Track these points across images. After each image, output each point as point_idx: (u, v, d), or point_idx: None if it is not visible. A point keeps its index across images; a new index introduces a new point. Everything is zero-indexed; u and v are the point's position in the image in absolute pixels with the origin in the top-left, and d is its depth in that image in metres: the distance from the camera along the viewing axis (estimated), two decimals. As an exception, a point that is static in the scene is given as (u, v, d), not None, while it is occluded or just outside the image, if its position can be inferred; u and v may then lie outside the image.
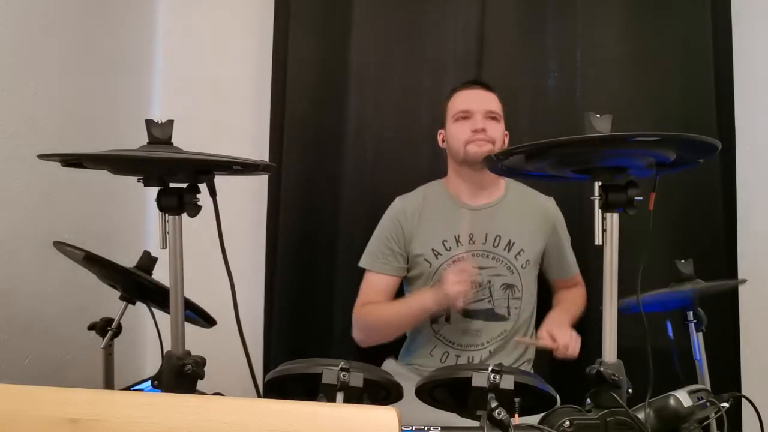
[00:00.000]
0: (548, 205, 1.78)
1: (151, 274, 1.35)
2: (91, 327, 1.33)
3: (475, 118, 1.64)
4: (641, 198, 1.04)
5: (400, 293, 1.76)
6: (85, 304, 1.67)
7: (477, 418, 1.02)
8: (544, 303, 1.77)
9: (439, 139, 1.75)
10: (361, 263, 1.74)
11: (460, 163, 1.67)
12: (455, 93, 1.72)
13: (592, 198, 1.05)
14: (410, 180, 1.89)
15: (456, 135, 1.66)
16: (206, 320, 1.38)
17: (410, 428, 1.05)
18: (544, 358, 1.77)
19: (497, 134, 1.65)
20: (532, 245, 1.70)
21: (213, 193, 1.11)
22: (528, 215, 1.73)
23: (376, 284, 1.71)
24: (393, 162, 2.01)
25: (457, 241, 1.67)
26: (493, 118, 1.66)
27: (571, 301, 1.75)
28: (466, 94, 1.70)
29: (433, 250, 1.67)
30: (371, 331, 1.70)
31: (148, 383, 1.22)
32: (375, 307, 1.68)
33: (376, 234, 1.75)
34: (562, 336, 1.48)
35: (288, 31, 2.03)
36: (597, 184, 1.05)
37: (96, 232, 1.83)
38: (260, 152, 2.06)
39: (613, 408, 1.04)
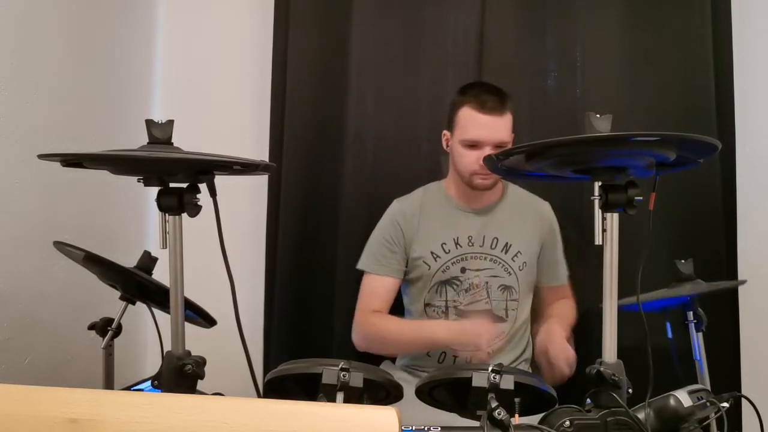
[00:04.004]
0: (545, 208, 1.78)
1: (151, 274, 1.35)
2: (91, 327, 1.33)
3: (483, 152, 1.56)
4: (641, 198, 1.04)
5: (399, 296, 1.76)
6: (85, 304, 1.68)
7: (477, 418, 1.02)
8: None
9: (443, 140, 1.71)
10: (360, 265, 1.74)
11: (466, 184, 1.66)
12: (465, 105, 1.60)
13: (592, 198, 1.05)
14: (410, 180, 1.89)
15: (462, 161, 1.62)
16: (206, 320, 1.38)
17: (410, 428, 1.06)
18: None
19: None
20: (529, 247, 1.70)
21: (213, 193, 1.11)
22: (525, 218, 1.73)
23: (376, 287, 1.70)
24: (393, 162, 2.01)
25: (456, 244, 1.67)
26: (502, 147, 1.58)
27: (563, 314, 1.69)
28: (478, 119, 1.58)
29: (431, 252, 1.67)
30: (373, 343, 1.68)
31: (148, 383, 1.22)
32: (382, 320, 1.66)
33: (375, 236, 1.74)
34: (561, 351, 1.45)
35: (288, 31, 2.03)
36: (597, 184, 1.05)
37: (96, 232, 1.83)
38: (260, 152, 2.06)
39: (613, 408, 1.04)
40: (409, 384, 1.17)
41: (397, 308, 1.75)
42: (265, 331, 2.05)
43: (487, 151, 1.56)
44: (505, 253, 1.67)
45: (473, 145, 1.59)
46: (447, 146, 1.70)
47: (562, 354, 1.45)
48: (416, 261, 1.68)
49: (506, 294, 1.67)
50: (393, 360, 1.79)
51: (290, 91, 2.02)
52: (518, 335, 1.70)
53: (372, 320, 1.67)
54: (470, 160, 1.60)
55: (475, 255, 1.67)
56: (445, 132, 1.70)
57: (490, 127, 1.58)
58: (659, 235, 1.80)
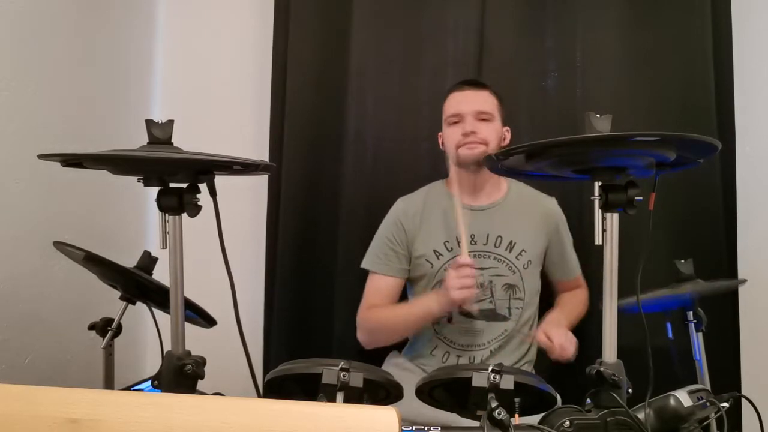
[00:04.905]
0: (550, 205, 1.77)
1: (151, 274, 1.35)
2: (91, 327, 1.33)
3: (465, 121, 1.63)
4: (641, 198, 1.04)
5: (403, 295, 1.76)
6: (85, 304, 1.68)
7: (477, 418, 1.02)
8: (547, 303, 1.77)
9: (439, 141, 1.74)
10: (364, 264, 1.74)
11: (457, 165, 1.67)
12: (449, 95, 1.71)
13: (592, 198, 1.05)
14: (410, 180, 1.89)
15: (449, 139, 1.66)
16: (206, 320, 1.38)
17: (410, 428, 1.06)
18: (545, 358, 1.77)
19: (490, 134, 1.63)
20: (534, 245, 1.70)
21: (213, 193, 1.11)
22: (529, 215, 1.73)
23: (380, 286, 1.71)
24: (393, 162, 2.01)
25: (459, 242, 1.67)
26: (484, 119, 1.64)
27: (571, 304, 1.74)
28: (456, 96, 1.68)
29: (434, 250, 1.67)
30: (376, 335, 1.70)
31: (148, 383, 1.22)
32: (380, 311, 1.68)
33: (378, 235, 1.75)
34: (557, 336, 1.48)
35: (288, 31, 2.03)
36: (597, 184, 1.05)
37: (96, 232, 1.83)
38: (260, 152, 2.06)
39: (613, 408, 1.04)
40: (413, 375, 1.17)
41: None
42: (265, 331, 2.05)
43: (468, 119, 1.63)
44: (509, 251, 1.67)
45: (456, 120, 1.65)
46: (442, 146, 1.72)
47: (559, 337, 1.48)
48: (419, 259, 1.69)
49: (510, 293, 1.67)
50: (399, 350, 1.79)
51: (290, 91, 2.02)
52: (521, 334, 1.70)
53: (369, 314, 1.68)
54: (455, 133, 1.64)
55: (478, 253, 1.66)
56: (440, 134, 1.73)
57: (467, 99, 1.66)
58: (659, 235, 1.80)
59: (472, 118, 1.63)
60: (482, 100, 1.66)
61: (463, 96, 1.67)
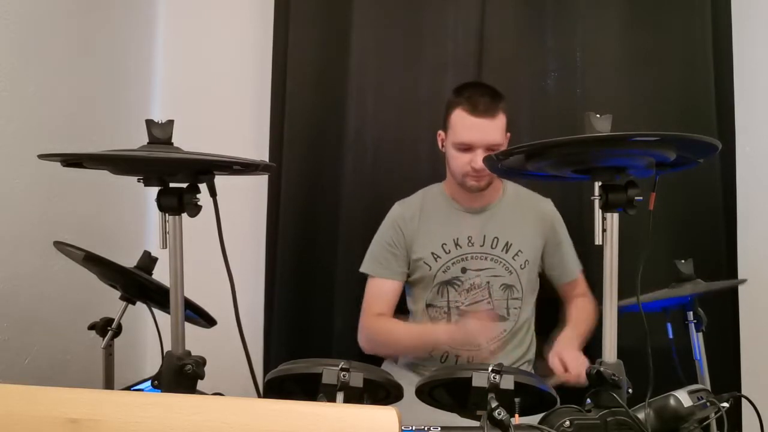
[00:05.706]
0: (546, 205, 1.78)
1: (151, 274, 1.35)
2: (91, 327, 1.33)
3: (475, 154, 1.56)
4: (641, 198, 1.04)
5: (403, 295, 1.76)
6: (85, 304, 1.68)
7: (477, 418, 1.02)
8: (545, 303, 1.77)
9: (439, 141, 1.71)
10: (363, 269, 1.74)
11: (460, 186, 1.66)
12: (458, 107, 1.59)
13: (592, 198, 1.05)
14: (410, 180, 1.89)
15: (455, 163, 1.63)
16: (206, 320, 1.38)
17: (410, 428, 1.06)
18: (544, 358, 1.77)
19: None
20: (531, 245, 1.70)
21: (213, 193, 1.11)
22: (525, 216, 1.73)
23: (381, 290, 1.71)
24: (393, 162, 2.01)
25: (456, 244, 1.67)
26: (494, 149, 1.57)
27: (581, 319, 1.66)
28: (470, 122, 1.57)
29: (432, 253, 1.67)
30: (377, 346, 1.71)
31: (148, 383, 1.22)
32: (386, 324, 1.67)
33: (377, 239, 1.75)
34: (572, 362, 1.43)
35: (288, 31, 2.03)
36: (597, 184, 1.05)
37: (96, 232, 1.83)
38: (260, 152, 2.06)
39: (613, 408, 1.04)
40: (410, 382, 1.17)
41: (401, 307, 1.75)
42: (265, 331, 2.05)
43: (479, 153, 1.57)
44: (506, 252, 1.67)
45: (465, 147, 1.59)
46: (442, 146, 1.71)
47: (574, 363, 1.43)
48: (417, 262, 1.69)
49: (508, 293, 1.68)
50: (395, 359, 1.79)
51: (290, 91, 2.02)
52: (520, 334, 1.70)
53: (376, 324, 1.68)
54: (462, 162, 1.61)
55: (475, 255, 1.67)
56: (440, 132, 1.71)
57: (481, 130, 1.57)
58: (659, 235, 1.80)
59: (483, 152, 1.56)
60: (496, 131, 1.58)
61: (478, 126, 1.56)
